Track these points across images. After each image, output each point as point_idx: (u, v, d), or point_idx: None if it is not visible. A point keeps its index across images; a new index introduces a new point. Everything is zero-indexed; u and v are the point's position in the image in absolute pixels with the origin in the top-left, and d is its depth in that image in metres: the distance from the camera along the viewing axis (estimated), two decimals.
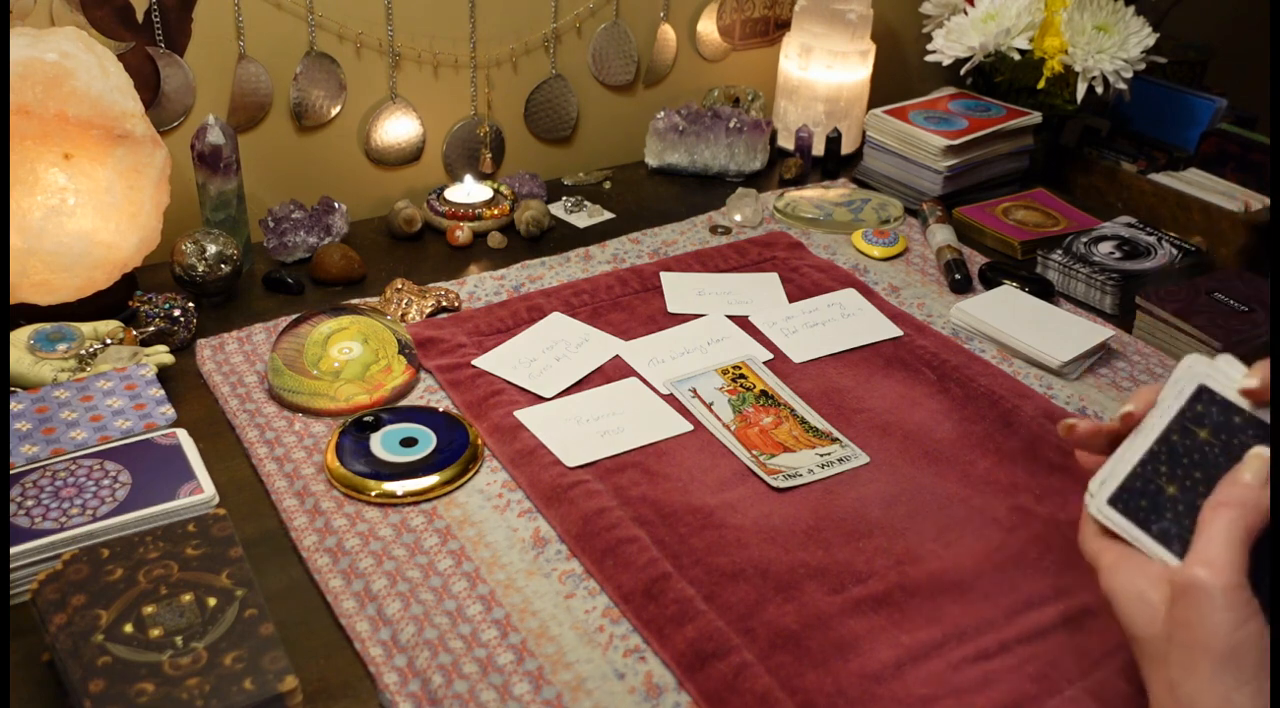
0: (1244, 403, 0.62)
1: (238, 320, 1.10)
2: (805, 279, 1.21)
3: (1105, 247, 1.24)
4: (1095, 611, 0.78)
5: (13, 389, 0.93)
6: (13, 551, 0.74)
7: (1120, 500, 0.64)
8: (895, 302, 1.18)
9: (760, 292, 1.18)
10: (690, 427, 0.96)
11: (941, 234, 1.27)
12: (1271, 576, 0.66)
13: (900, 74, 1.70)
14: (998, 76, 1.48)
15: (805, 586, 0.79)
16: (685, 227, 1.33)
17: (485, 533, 0.84)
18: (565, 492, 0.87)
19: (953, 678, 0.72)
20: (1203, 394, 0.63)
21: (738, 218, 1.34)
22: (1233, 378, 0.63)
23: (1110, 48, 1.38)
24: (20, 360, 0.95)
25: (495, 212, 1.29)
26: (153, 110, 1.18)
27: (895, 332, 1.11)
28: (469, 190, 1.31)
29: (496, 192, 1.32)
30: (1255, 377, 0.61)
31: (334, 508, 0.86)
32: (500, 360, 1.04)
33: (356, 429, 0.92)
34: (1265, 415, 0.61)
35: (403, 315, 1.10)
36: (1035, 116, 1.43)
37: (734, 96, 1.57)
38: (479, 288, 1.17)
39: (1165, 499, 0.63)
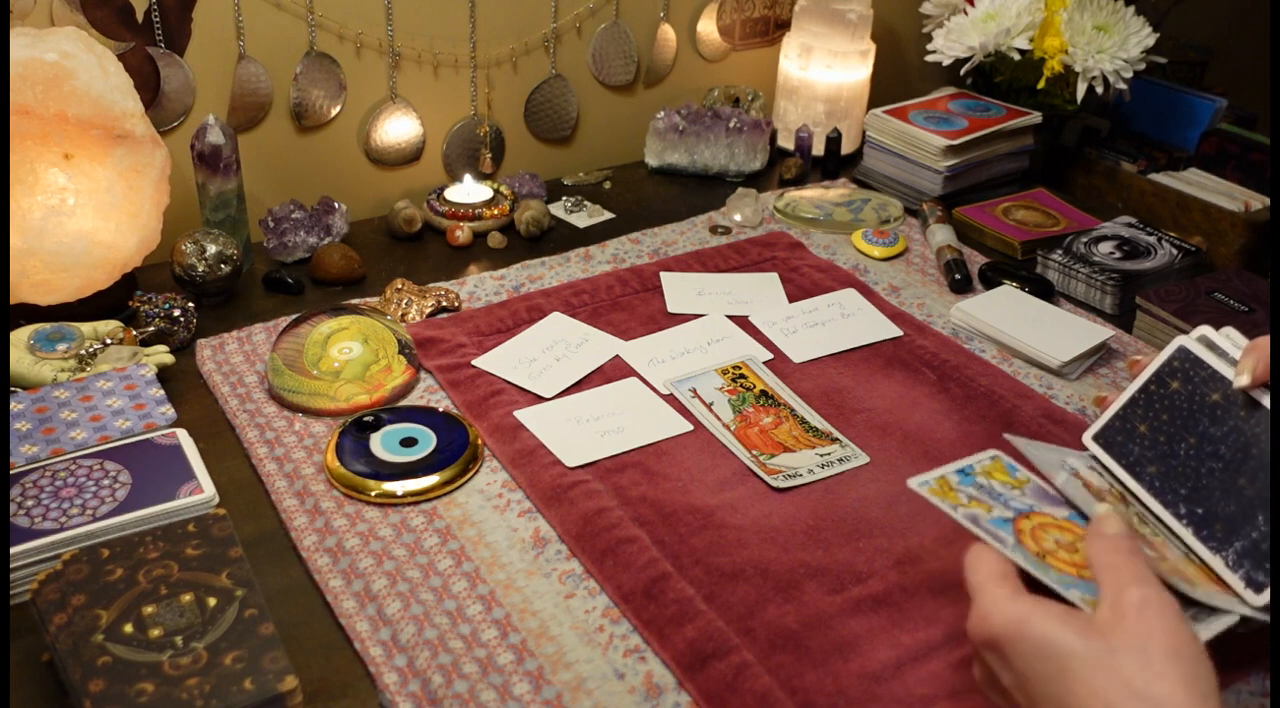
0: (1213, 362, 0.75)
1: (238, 320, 1.10)
2: (805, 279, 1.21)
3: (1105, 247, 1.24)
4: None
5: (13, 389, 0.93)
6: (13, 551, 0.74)
7: (1102, 437, 0.79)
8: (895, 302, 1.18)
9: (760, 292, 1.18)
10: (690, 427, 0.96)
11: (941, 234, 1.27)
12: (1272, 574, 0.67)
13: (900, 74, 1.70)
14: (998, 76, 1.48)
15: (805, 586, 0.79)
16: (685, 227, 1.33)
17: (485, 533, 0.84)
18: (565, 492, 0.87)
19: (953, 678, 0.72)
20: (1180, 352, 0.77)
21: (738, 218, 1.34)
22: (1215, 342, 0.76)
23: (1110, 48, 1.38)
24: (20, 360, 0.95)
25: (495, 212, 1.29)
26: (153, 110, 1.18)
27: (895, 332, 1.11)
28: (469, 190, 1.31)
29: (496, 192, 1.32)
30: (1246, 374, 0.72)
31: (334, 508, 0.86)
32: (500, 360, 1.04)
33: (356, 429, 0.92)
34: (1228, 371, 0.74)
35: (403, 315, 1.10)
36: (1035, 116, 1.43)
37: (734, 96, 1.57)
38: (479, 288, 1.17)
39: (1136, 435, 0.77)
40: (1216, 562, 0.70)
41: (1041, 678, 0.58)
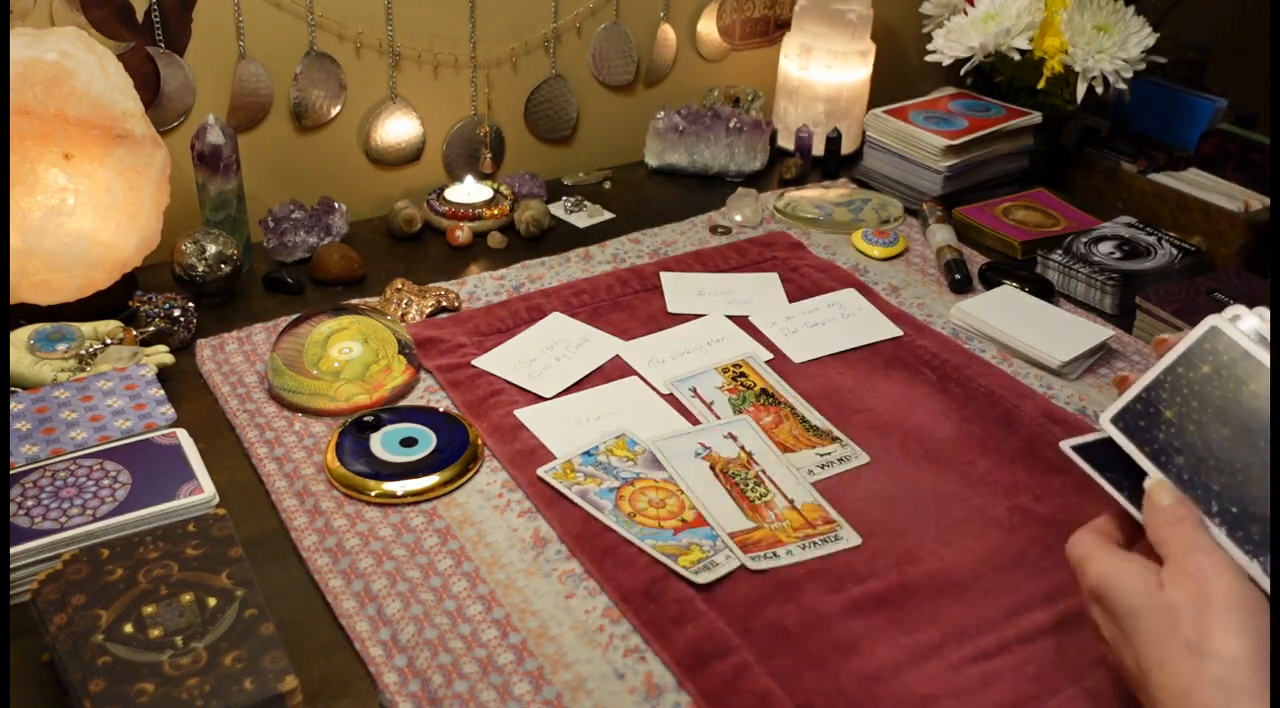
0: (1249, 347, 0.68)
1: (238, 320, 1.10)
2: (805, 279, 1.21)
3: (1105, 247, 1.24)
4: None
5: (13, 389, 0.93)
6: (13, 551, 0.74)
7: (1122, 418, 0.72)
8: (895, 302, 1.18)
9: (760, 292, 1.18)
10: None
11: (941, 234, 1.27)
12: (1272, 573, 0.66)
13: (900, 74, 1.70)
14: (998, 76, 1.48)
15: (805, 585, 0.79)
16: (685, 227, 1.33)
17: (485, 533, 0.84)
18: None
19: (953, 678, 0.72)
20: (1211, 333, 0.70)
21: (738, 218, 1.34)
22: (1249, 324, 0.69)
23: (1110, 48, 1.38)
24: (20, 360, 0.95)
25: (495, 212, 1.29)
26: (153, 110, 1.17)
27: (895, 332, 1.11)
28: (469, 190, 1.31)
29: (496, 192, 1.32)
30: None
31: (334, 508, 0.86)
32: (500, 360, 1.04)
33: (356, 429, 0.92)
34: (1264, 357, 0.67)
35: (403, 315, 1.10)
36: (1035, 116, 1.43)
37: (734, 96, 1.57)
38: (479, 288, 1.17)
39: (1161, 421, 0.70)
40: (1254, 568, 0.63)
41: (1125, 629, 0.63)
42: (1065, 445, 0.75)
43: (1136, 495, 0.70)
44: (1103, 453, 0.74)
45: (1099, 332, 1.10)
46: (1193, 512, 0.65)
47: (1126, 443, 0.72)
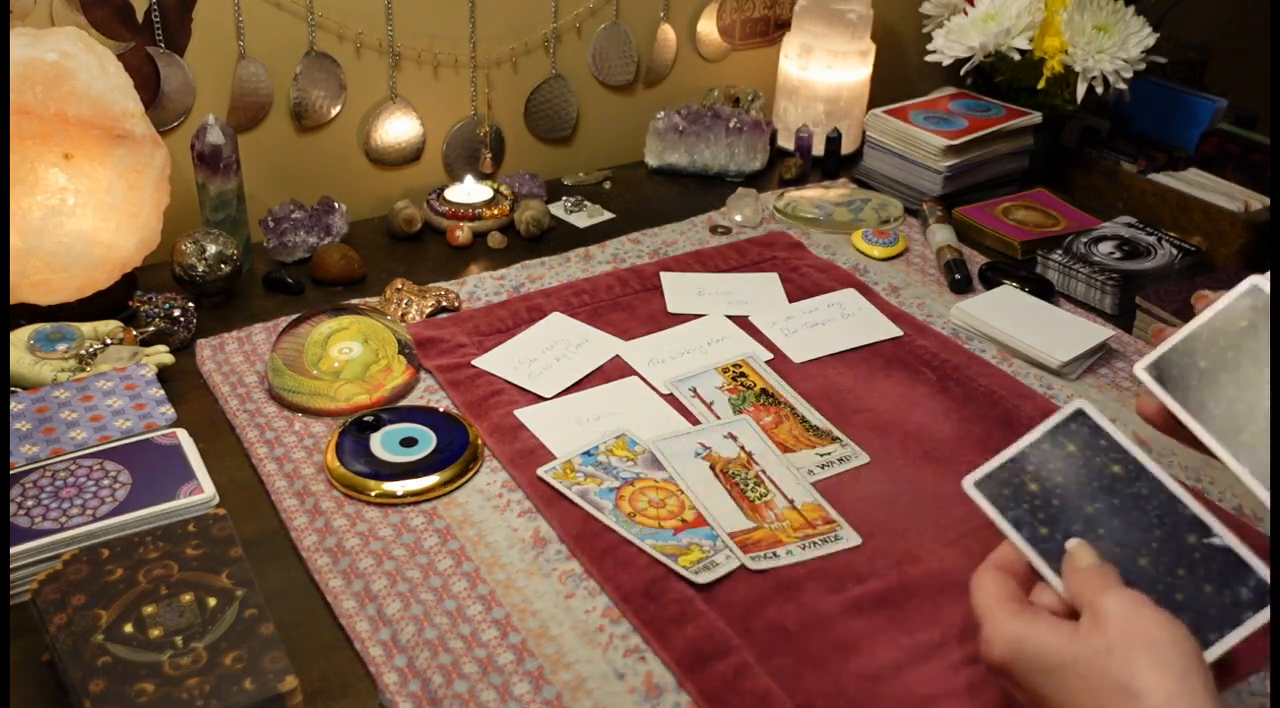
0: None
1: (238, 320, 1.10)
2: (805, 279, 1.21)
3: (1105, 247, 1.24)
4: None
5: (13, 389, 0.93)
6: (13, 551, 0.74)
7: (1157, 367, 0.71)
8: (895, 302, 1.18)
9: (760, 292, 1.18)
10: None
11: (941, 234, 1.27)
12: (1272, 569, 0.66)
13: (900, 74, 1.70)
14: (998, 76, 1.48)
15: (805, 585, 0.79)
16: (685, 227, 1.33)
17: (485, 533, 0.84)
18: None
19: (953, 678, 0.72)
20: (1253, 291, 0.70)
21: (738, 218, 1.34)
22: None
23: (1110, 48, 1.38)
24: (20, 360, 0.95)
25: (495, 212, 1.29)
26: (153, 110, 1.17)
27: (895, 332, 1.11)
28: (469, 190, 1.31)
29: (496, 192, 1.32)
30: None
31: (334, 508, 0.86)
32: (500, 360, 1.04)
33: (356, 429, 0.92)
34: None
35: (403, 315, 1.10)
36: (1035, 116, 1.43)
37: (734, 96, 1.57)
38: (479, 288, 1.17)
39: (1196, 371, 0.70)
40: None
41: (1048, 689, 0.61)
42: (967, 483, 0.71)
43: (1036, 534, 0.68)
44: (1006, 485, 0.70)
45: (1099, 332, 1.10)
46: (1112, 571, 0.64)
47: (1159, 390, 0.71)
